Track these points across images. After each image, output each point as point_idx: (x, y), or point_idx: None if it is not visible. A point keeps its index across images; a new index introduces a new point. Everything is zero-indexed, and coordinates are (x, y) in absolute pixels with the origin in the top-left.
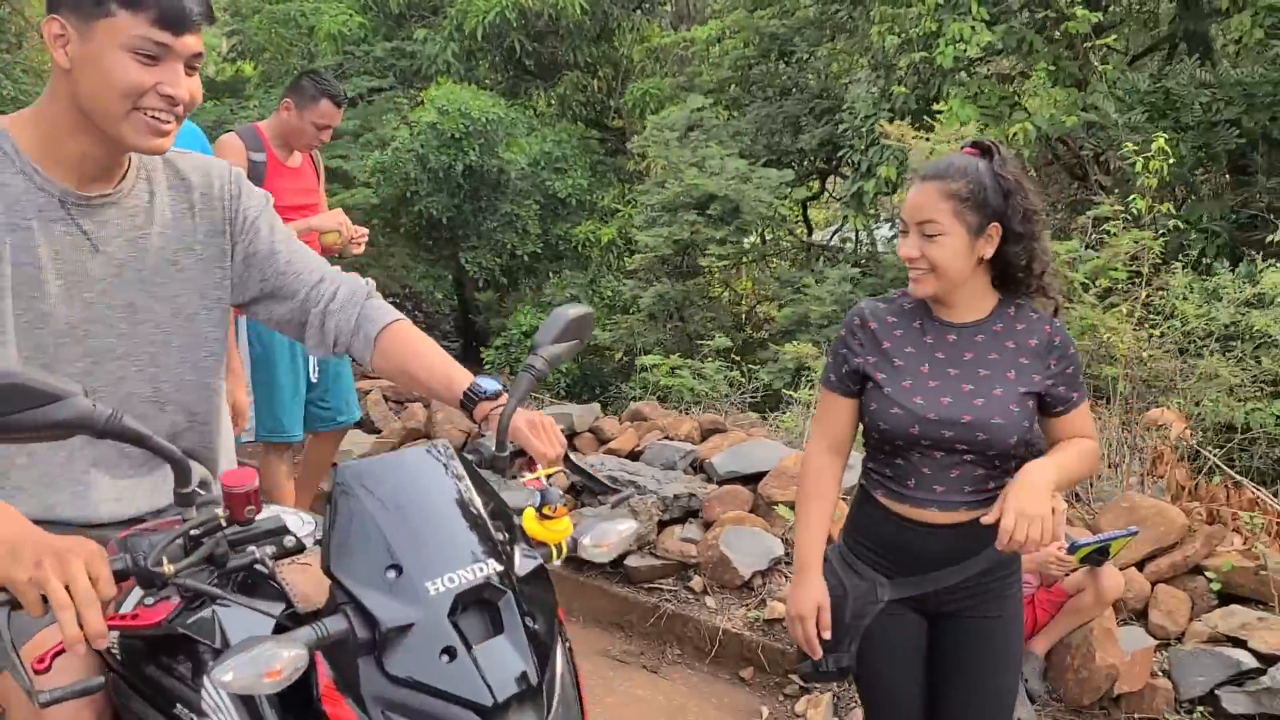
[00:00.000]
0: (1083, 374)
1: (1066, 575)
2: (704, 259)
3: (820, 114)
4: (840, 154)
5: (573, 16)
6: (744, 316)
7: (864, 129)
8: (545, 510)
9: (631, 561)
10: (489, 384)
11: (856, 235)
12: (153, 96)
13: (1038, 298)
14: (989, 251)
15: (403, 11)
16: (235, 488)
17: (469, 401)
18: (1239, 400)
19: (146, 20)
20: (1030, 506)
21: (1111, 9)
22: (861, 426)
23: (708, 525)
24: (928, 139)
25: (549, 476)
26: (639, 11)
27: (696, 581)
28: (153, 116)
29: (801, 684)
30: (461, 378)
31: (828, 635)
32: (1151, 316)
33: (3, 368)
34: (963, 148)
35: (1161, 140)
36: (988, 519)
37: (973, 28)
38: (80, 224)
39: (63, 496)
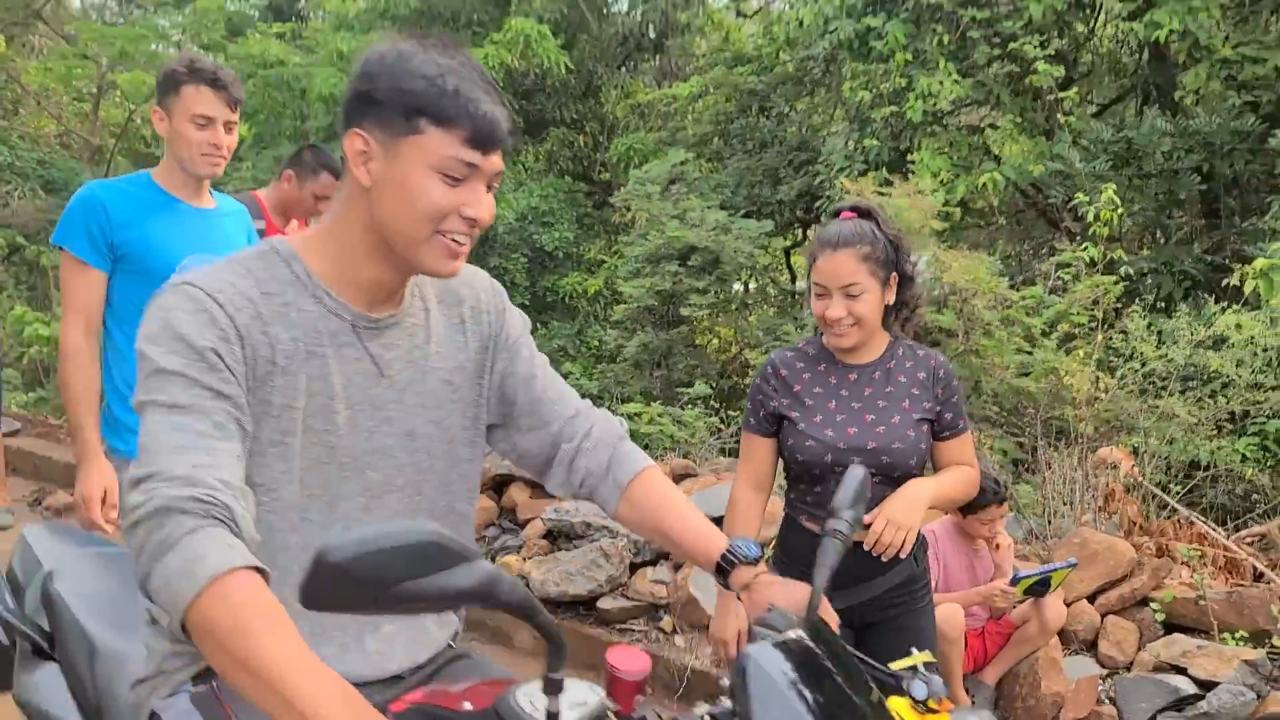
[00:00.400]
0: (966, 406)
1: (1013, 608)
2: (686, 308)
3: (798, 166)
4: (818, 204)
5: (558, 75)
6: (728, 364)
7: (839, 180)
8: (930, 703)
9: (604, 603)
10: (749, 547)
11: None
12: (455, 219)
13: (897, 328)
14: (892, 298)
15: None
16: (628, 673)
17: (727, 564)
18: (1204, 439)
19: (458, 139)
20: (900, 517)
21: (1081, 62)
22: (782, 462)
23: (678, 567)
24: (885, 194)
25: (926, 665)
26: (623, 69)
27: (666, 621)
28: (452, 239)
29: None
30: (717, 539)
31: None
32: (1114, 359)
33: (421, 523)
34: (840, 213)
35: (1110, 191)
36: (866, 519)
37: (941, 82)
38: (369, 348)
39: (331, 650)
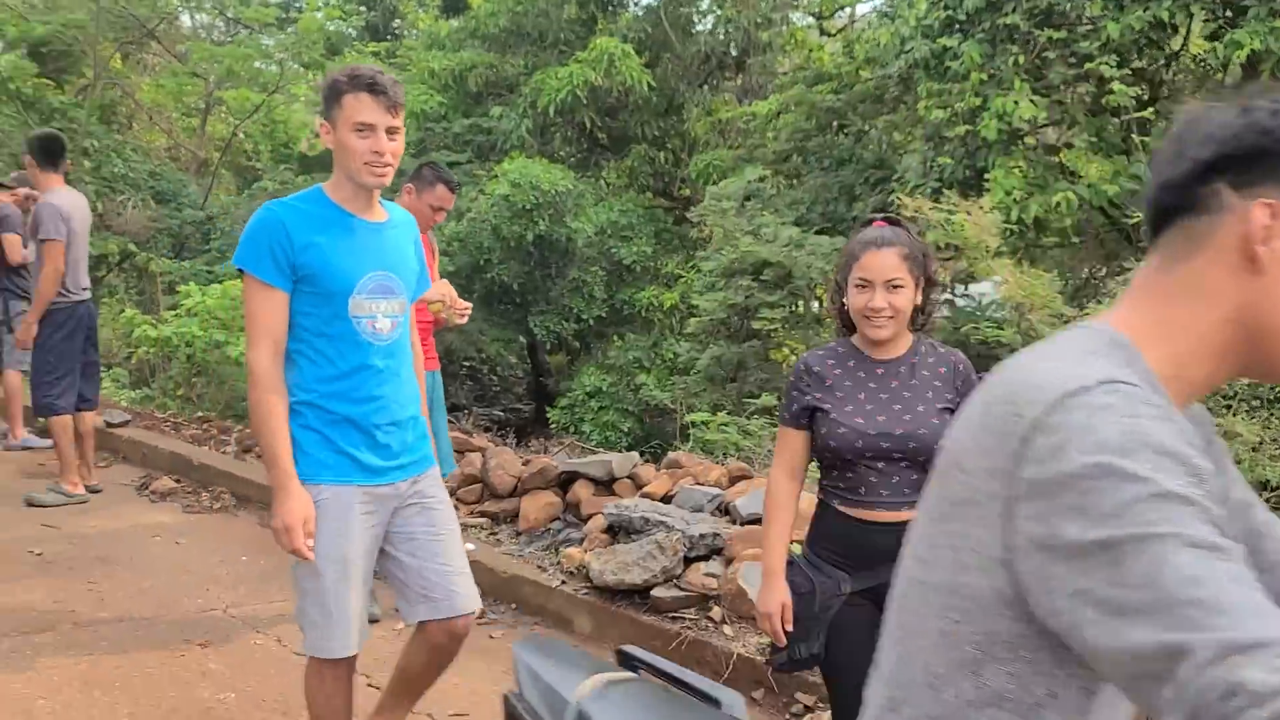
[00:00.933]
0: None
1: None
2: (757, 322)
3: (875, 183)
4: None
5: (641, 93)
6: None
7: (895, 197)
8: None
9: (658, 593)
10: None
11: None
12: None
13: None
14: (919, 298)
15: (480, 90)
16: None
17: None
18: (1269, 458)
19: None
20: None
21: (1166, 81)
22: (815, 452)
23: (729, 562)
24: (942, 211)
25: None
26: (704, 87)
27: (716, 611)
28: None
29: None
30: None
31: (790, 628)
32: None
33: None
34: (874, 221)
35: None
36: None
37: (1016, 102)
38: None
39: None
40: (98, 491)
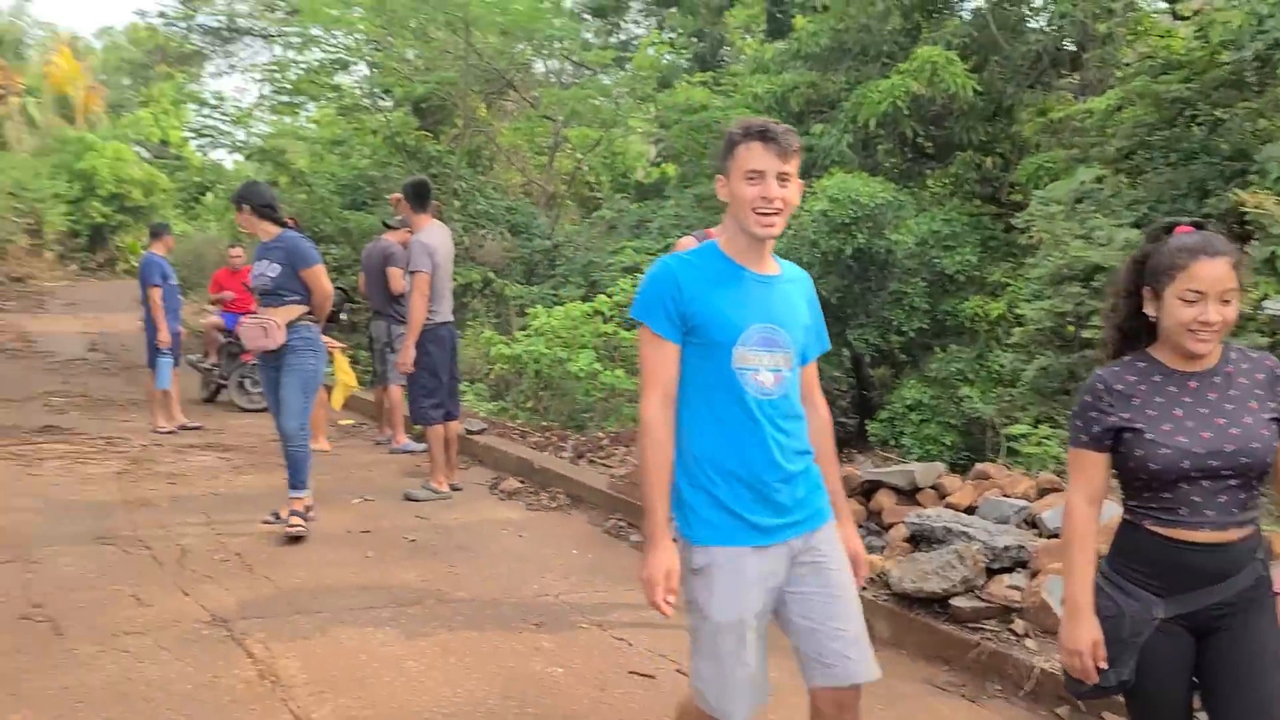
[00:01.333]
0: None
1: None
2: (1088, 331)
3: (1230, 177)
4: (1249, 217)
5: (966, 99)
6: None
7: (1231, 193)
8: None
9: (957, 602)
10: None
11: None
12: None
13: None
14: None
15: (802, 109)
16: None
17: None
18: None
19: None
20: None
21: None
22: (1121, 472)
23: (1034, 575)
24: None
25: None
26: (1035, 87)
27: (1019, 624)
28: None
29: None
30: None
31: (1105, 667)
32: None
33: None
34: (1177, 228)
35: None
36: None
37: None
38: None
39: None
40: (459, 490)
